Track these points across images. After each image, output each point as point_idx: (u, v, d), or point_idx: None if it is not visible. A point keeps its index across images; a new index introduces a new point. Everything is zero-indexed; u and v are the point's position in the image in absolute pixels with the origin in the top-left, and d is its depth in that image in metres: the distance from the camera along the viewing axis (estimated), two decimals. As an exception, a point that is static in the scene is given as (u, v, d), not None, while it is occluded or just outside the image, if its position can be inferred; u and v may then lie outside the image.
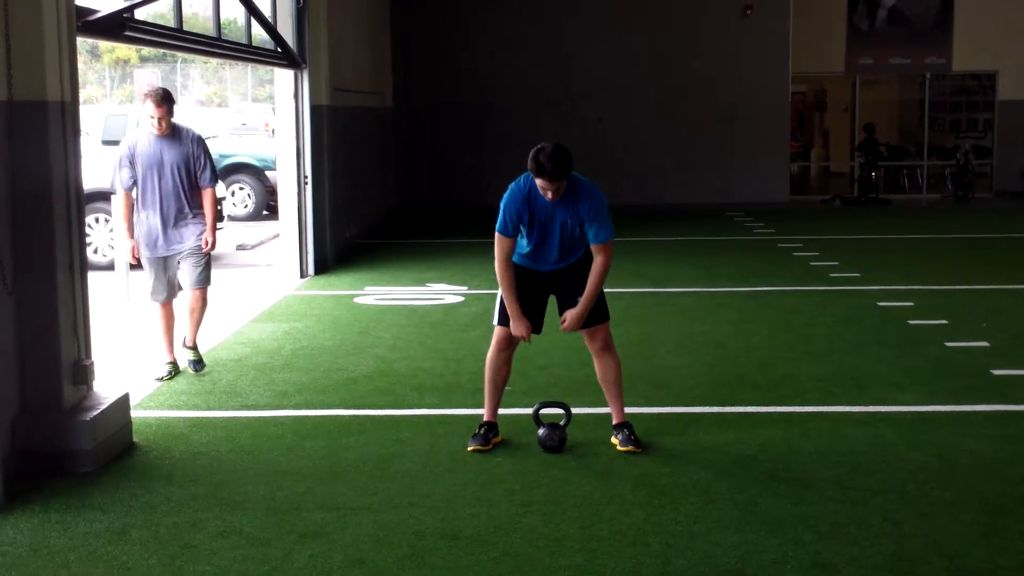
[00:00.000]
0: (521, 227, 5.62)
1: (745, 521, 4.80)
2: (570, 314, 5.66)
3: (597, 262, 5.61)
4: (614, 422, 5.83)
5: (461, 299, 10.24)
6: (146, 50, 41.99)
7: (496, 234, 5.61)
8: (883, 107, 23.49)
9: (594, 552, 4.46)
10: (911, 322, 8.97)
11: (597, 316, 5.73)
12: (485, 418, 5.89)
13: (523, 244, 5.70)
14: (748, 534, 4.65)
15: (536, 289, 5.79)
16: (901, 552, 4.45)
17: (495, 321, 5.83)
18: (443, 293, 10.60)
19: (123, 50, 43.01)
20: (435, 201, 19.17)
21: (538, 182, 5.43)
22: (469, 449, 5.69)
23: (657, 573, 4.26)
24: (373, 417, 6.49)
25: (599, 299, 5.72)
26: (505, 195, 5.62)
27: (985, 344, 8.10)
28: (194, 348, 7.53)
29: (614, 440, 5.79)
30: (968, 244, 14.42)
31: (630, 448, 5.66)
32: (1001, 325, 8.86)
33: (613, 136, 19.29)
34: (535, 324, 5.77)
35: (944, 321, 8.94)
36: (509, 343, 5.79)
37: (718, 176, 19.68)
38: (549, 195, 5.46)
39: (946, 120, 22.63)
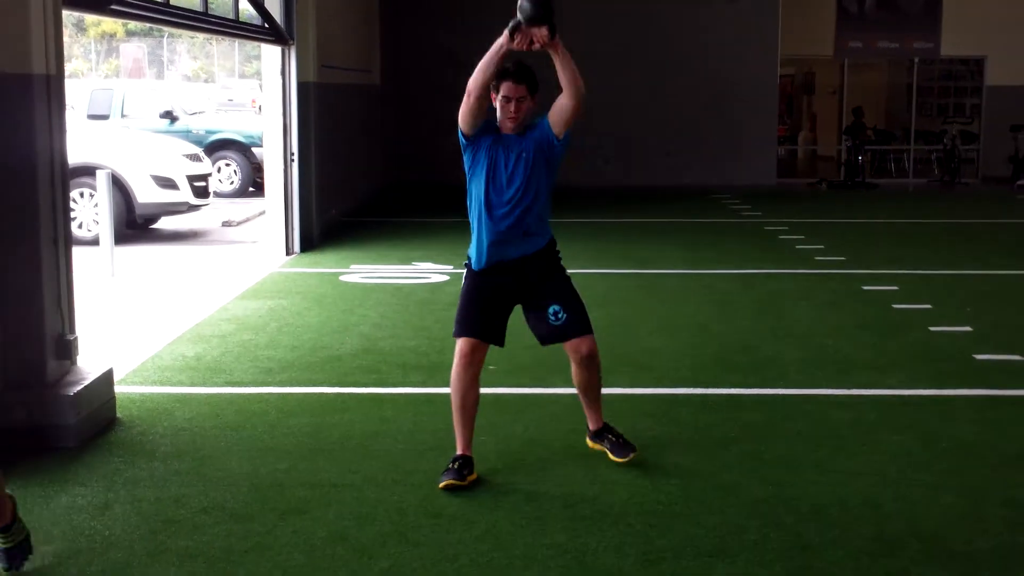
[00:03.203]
0: (476, 151, 5.06)
1: (726, 502, 4.82)
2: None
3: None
4: (594, 427, 5.35)
5: (447, 278, 10.24)
6: (132, 24, 41.71)
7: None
8: (871, 91, 23.53)
9: (576, 531, 4.48)
10: (895, 306, 9.01)
11: (582, 326, 5.14)
12: (458, 451, 5.09)
13: (481, 215, 5.06)
14: (729, 515, 4.67)
15: (499, 296, 5.15)
16: (881, 534, 4.48)
17: (455, 332, 5.15)
18: (429, 272, 10.60)
19: (109, 24, 42.72)
20: (422, 180, 19.13)
21: (501, 91, 4.92)
22: (440, 486, 4.91)
23: (639, 552, 4.28)
24: (357, 395, 6.49)
25: (579, 304, 5.18)
26: None
27: (968, 329, 8.14)
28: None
29: (596, 446, 5.33)
30: (954, 229, 14.48)
31: (632, 456, 5.19)
32: (984, 310, 8.90)
33: (600, 118, 19.24)
34: (497, 335, 5.17)
35: (928, 306, 8.98)
36: (474, 358, 5.07)
37: (705, 159, 19.68)
38: (511, 117, 4.96)
39: (934, 105, 22.70)
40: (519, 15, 4.75)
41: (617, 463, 5.20)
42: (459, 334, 5.11)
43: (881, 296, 9.44)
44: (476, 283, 5.16)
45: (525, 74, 4.98)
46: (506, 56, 4.87)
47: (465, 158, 5.14)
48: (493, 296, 5.14)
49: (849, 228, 14.55)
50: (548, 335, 5.20)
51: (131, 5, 7.34)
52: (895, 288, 9.75)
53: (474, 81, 4.91)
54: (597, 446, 5.34)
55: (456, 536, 4.43)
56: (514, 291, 5.16)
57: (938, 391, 6.60)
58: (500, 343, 5.23)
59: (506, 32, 4.78)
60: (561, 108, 5.03)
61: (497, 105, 5.01)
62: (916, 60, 21.43)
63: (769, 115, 19.95)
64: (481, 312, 5.12)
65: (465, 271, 5.24)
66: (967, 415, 6.12)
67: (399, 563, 4.18)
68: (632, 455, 5.20)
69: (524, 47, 4.81)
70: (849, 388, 6.63)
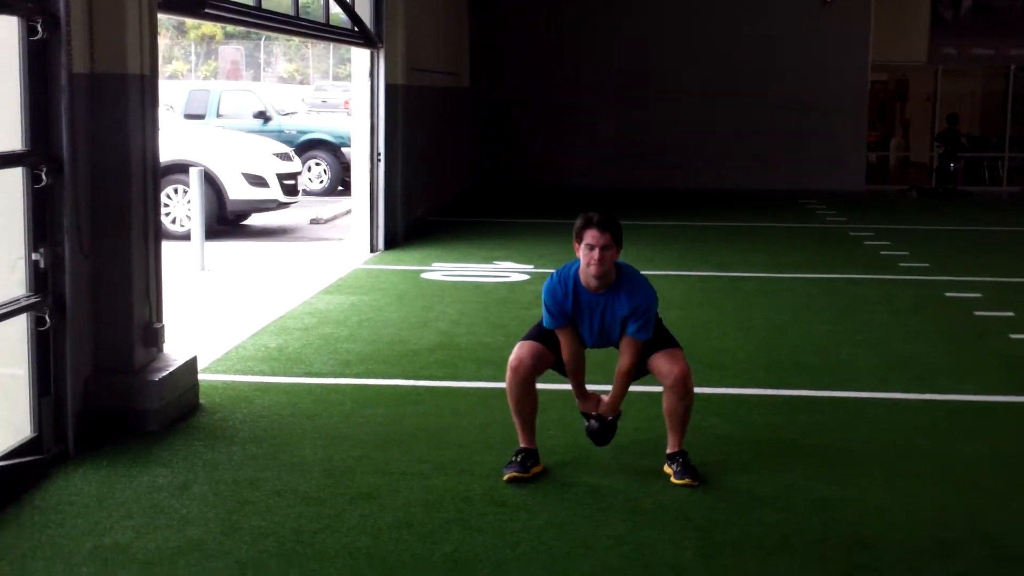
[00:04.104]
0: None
1: (790, 501, 4.85)
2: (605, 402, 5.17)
3: (624, 360, 5.09)
4: (670, 450, 5.14)
5: (527, 277, 10.36)
6: (231, 27, 42.67)
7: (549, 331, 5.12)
8: (966, 98, 23.08)
9: (637, 524, 4.56)
10: (977, 313, 8.90)
11: (666, 339, 5.15)
12: (521, 444, 5.19)
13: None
14: (791, 513, 4.71)
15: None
16: (943, 536, 4.48)
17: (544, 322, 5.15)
18: (509, 271, 10.74)
19: (208, 27, 43.72)
20: (507, 182, 19.30)
21: (585, 239, 4.91)
22: (505, 478, 5.02)
23: (697, 546, 4.35)
24: (431, 388, 6.64)
25: (661, 328, 5.18)
26: (544, 290, 5.12)
27: (1051, 338, 8.03)
28: None
29: (667, 469, 5.10)
30: (1045, 238, 14.19)
31: (687, 481, 4.96)
32: (1070, 319, 8.76)
33: (690, 122, 19.23)
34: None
35: (1011, 313, 8.85)
36: (527, 376, 5.10)
37: (794, 163, 19.50)
38: (594, 265, 4.89)
39: (1030, 112, 22.20)
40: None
41: (676, 484, 4.99)
42: (525, 336, 5.22)
43: (963, 303, 9.32)
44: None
45: (610, 223, 4.94)
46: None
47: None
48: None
49: (936, 235, 14.33)
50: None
51: (224, 9, 7.59)
52: (978, 295, 9.62)
53: (568, 359, 5.14)
54: (667, 468, 5.10)
55: (519, 524, 4.54)
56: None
57: (1016, 398, 6.53)
58: (561, 371, 5.23)
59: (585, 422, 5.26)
60: (657, 373, 5.15)
61: (580, 255, 4.97)
62: (1013, 67, 20.98)
63: (859, 121, 19.70)
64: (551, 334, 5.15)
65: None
66: (1042, 423, 6.06)
67: (461, 548, 4.31)
68: (689, 481, 4.95)
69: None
70: (923, 393, 6.60)
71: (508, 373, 5.09)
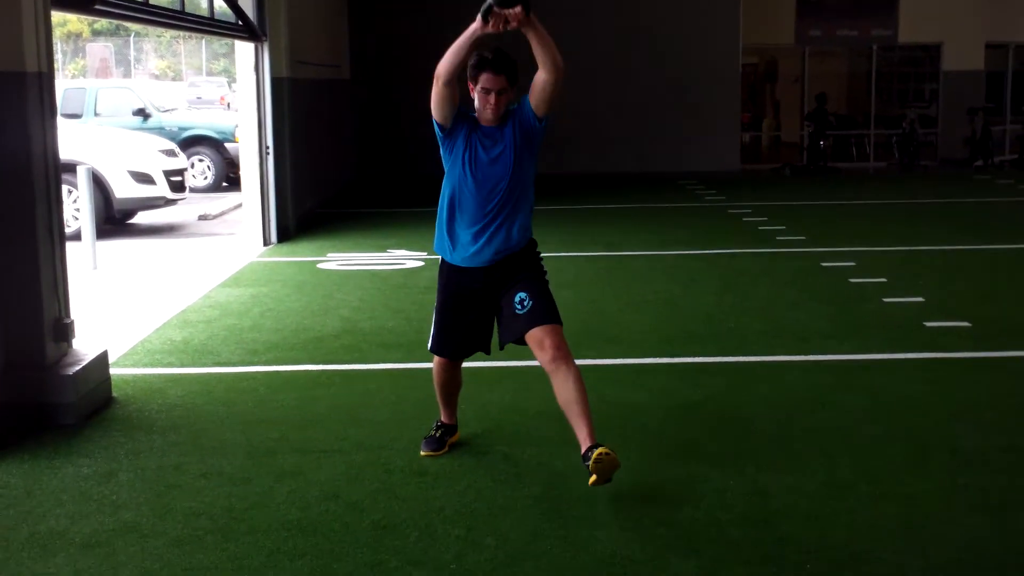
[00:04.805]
0: (454, 143, 4.81)
1: (690, 457, 5.19)
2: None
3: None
4: (586, 446, 4.51)
5: (421, 263, 10.58)
6: (99, 23, 41.70)
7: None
8: (832, 78, 23.99)
9: (551, 484, 4.84)
10: (852, 280, 9.43)
11: (547, 314, 4.76)
12: (442, 419, 5.32)
13: (452, 218, 4.85)
14: (693, 468, 5.04)
15: (476, 306, 4.95)
16: (832, 480, 4.87)
17: (431, 346, 5.08)
18: (403, 259, 10.93)
19: (75, 23, 42.70)
20: (391, 171, 19.43)
21: (480, 83, 4.69)
22: (422, 454, 5.17)
23: (610, 499, 4.63)
24: (341, 371, 6.82)
25: (548, 297, 4.83)
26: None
27: (920, 300, 8.55)
28: None
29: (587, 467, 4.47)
30: (911, 209, 14.94)
31: (595, 481, 4.43)
32: (936, 282, 9.33)
33: (572, 108, 19.58)
34: (483, 343, 5.04)
35: (883, 279, 9.39)
36: (452, 368, 5.14)
37: (671, 146, 20.11)
38: (491, 108, 4.71)
39: (893, 90, 23.21)
40: None
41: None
42: (435, 350, 5.06)
43: (839, 272, 9.86)
44: (451, 290, 4.95)
45: (504, 64, 4.69)
46: (480, 41, 4.60)
47: (442, 151, 4.87)
48: (470, 307, 4.94)
49: (810, 210, 14.97)
50: (510, 327, 4.83)
51: (115, 5, 7.62)
52: (852, 264, 10.17)
53: (443, 65, 4.64)
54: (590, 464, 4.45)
55: (440, 491, 4.78)
56: (491, 296, 4.91)
57: (890, 355, 7.00)
58: (486, 349, 5.08)
59: (479, 16, 4.50)
60: (541, 85, 4.69)
61: (475, 97, 4.77)
62: (875, 47, 21.90)
63: (732, 103, 20.38)
64: (457, 330, 4.98)
65: (440, 268, 5.01)
66: (916, 375, 6.53)
67: (388, 515, 4.52)
68: (595, 480, 4.41)
69: (499, 29, 4.50)
70: (806, 355, 7.03)
71: (436, 371, 5.16)
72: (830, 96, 22.04)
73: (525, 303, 4.77)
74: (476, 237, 4.82)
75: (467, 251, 4.84)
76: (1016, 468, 5.00)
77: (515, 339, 4.84)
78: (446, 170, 4.90)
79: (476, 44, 4.62)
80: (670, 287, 9.38)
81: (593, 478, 4.40)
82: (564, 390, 4.63)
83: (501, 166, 4.78)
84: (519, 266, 4.87)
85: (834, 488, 4.77)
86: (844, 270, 9.91)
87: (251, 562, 4.10)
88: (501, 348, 5.05)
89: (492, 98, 4.71)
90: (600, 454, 4.36)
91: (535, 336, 4.70)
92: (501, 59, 4.69)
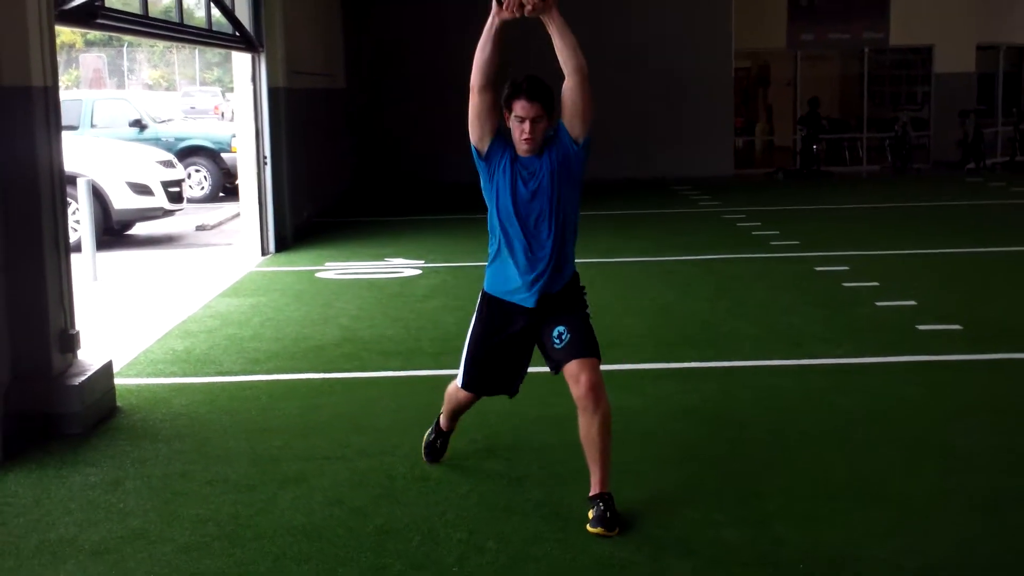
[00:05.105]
0: (493, 172, 4.62)
1: (686, 460, 5.29)
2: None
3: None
4: (594, 491, 4.52)
5: (419, 272, 10.67)
6: (92, 34, 41.76)
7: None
8: (824, 81, 24.12)
9: (552, 488, 4.94)
10: (845, 284, 9.54)
11: (585, 347, 4.58)
12: (443, 427, 5.25)
13: (499, 256, 4.67)
14: (689, 471, 5.14)
15: (512, 343, 4.74)
16: (826, 481, 4.97)
17: (460, 381, 4.88)
18: (401, 267, 11.02)
19: (68, 34, 42.73)
20: (390, 179, 19.53)
21: (514, 111, 4.50)
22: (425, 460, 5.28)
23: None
24: (342, 380, 6.91)
25: (588, 330, 4.66)
26: None
27: (913, 303, 8.66)
28: None
29: (590, 512, 4.50)
30: (904, 212, 15.06)
31: (600, 530, 4.40)
32: (929, 286, 9.45)
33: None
34: (511, 386, 4.89)
35: (876, 283, 9.50)
36: (475, 398, 4.99)
37: (665, 151, 20.22)
38: (525, 139, 4.49)
39: (885, 93, 23.35)
40: None
41: (590, 532, 4.45)
42: (465, 386, 4.87)
43: (832, 276, 9.97)
44: (490, 325, 4.73)
45: (539, 90, 4.48)
46: (501, 31, 4.44)
47: (482, 181, 4.65)
48: (505, 349, 4.75)
49: (803, 214, 15.09)
50: (549, 360, 4.68)
51: (116, 19, 7.72)
52: (846, 268, 10.28)
53: (472, 70, 4.50)
54: (590, 512, 4.50)
55: (443, 495, 4.88)
56: (529, 338, 4.74)
57: (882, 358, 7.10)
58: (510, 393, 4.92)
59: (494, 1, 4.31)
60: (570, 96, 4.52)
61: (511, 127, 4.54)
62: (867, 50, 22.05)
63: (725, 107, 20.51)
64: (489, 368, 4.81)
65: (481, 296, 4.80)
66: (908, 378, 6.64)
67: (391, 520, 4.62)
68: (603, 531, 4.40)
69: (514, 13, 4.34)
70: (800, 358, 7.14)
71: (457, 396, 5.00)
72: (822, 100, 22.19)
73: (563, 336, 4.60)
74: (525, 279, 4.61)
75: (515, 293, 4.65)
76: (1009, 469, 5.10)
77: (553, 372, 4.69)
78: (488, 204, 4.67)
79: (499, 37, 4.44)
80: (665, 293, 9.49)
81: (599, 530, 4.42)
82: (589, 430, 4.50)
83: (540, 201, 4.56)
84: (563, 304, 4.70)
85: (829, 490, 4.87)
86: (837, 274, 10.02)
87: (257, 567, 4.20)
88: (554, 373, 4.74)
89: (527, 126, 4.48)
90: (604, 513, 4.41)
91: (571, 370, 4.53)
92: (535, 85, 4.49)
